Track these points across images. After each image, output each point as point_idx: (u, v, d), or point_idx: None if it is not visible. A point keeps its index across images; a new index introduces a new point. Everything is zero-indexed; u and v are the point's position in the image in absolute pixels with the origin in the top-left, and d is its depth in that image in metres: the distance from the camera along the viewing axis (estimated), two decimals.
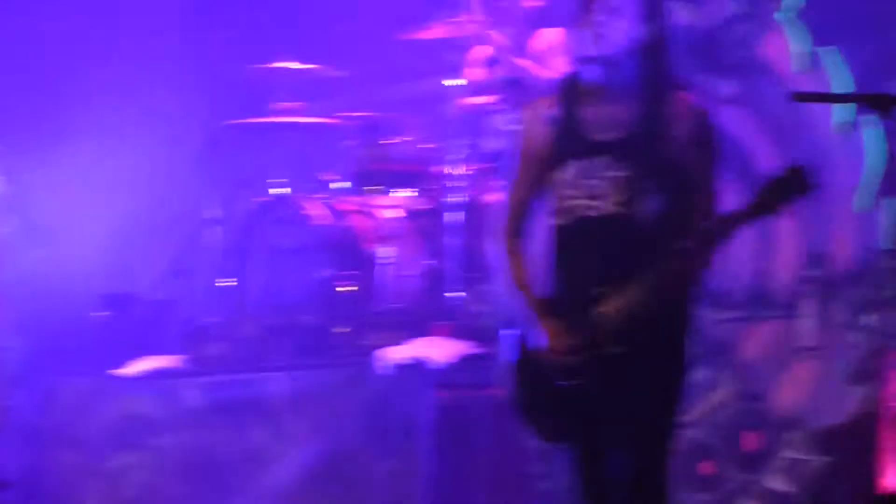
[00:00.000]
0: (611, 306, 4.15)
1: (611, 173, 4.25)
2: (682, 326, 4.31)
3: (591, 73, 4.22)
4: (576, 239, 4.29)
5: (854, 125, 6.63)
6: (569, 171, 4.28)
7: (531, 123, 4.36)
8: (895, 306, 6.34)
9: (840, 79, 6.94)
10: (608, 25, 4.22)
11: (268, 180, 8.25)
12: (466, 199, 7.58)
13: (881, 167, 6.59)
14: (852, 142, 6.65)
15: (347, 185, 8.16)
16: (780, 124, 7.05)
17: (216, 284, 8.17)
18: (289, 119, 8.19)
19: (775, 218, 3.96)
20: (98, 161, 8.40)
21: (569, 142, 4.26)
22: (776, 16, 7.03)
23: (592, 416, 4.23)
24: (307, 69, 8.15)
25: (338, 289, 7.72)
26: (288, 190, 8.18)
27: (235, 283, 8.06)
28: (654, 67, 4.32)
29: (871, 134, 6.56)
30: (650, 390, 4.26)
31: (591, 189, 4.26)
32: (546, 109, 4.34)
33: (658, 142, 4.29)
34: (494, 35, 7.66)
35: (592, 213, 4.27)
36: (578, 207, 4.28)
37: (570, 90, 4.28)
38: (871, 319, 6.47)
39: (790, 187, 3.87)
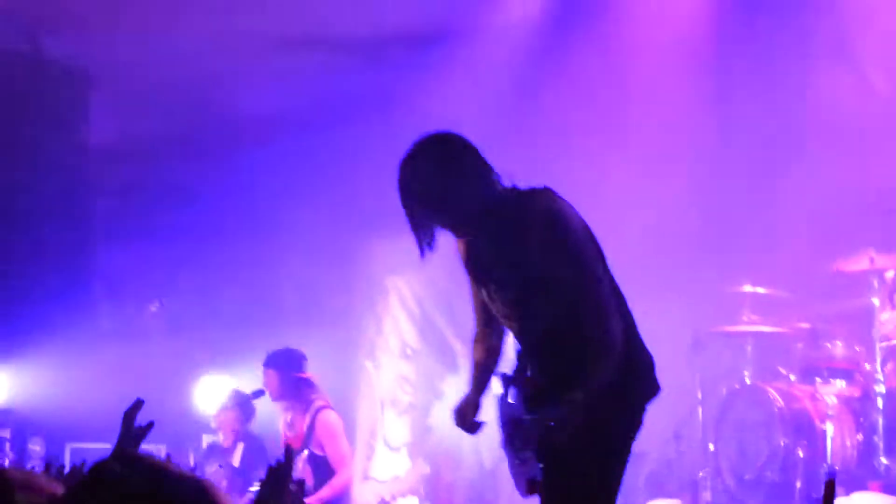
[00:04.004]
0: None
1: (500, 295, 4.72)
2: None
3: None
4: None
5: None
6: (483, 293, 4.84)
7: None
8: None
9: None
10: None
11: (743, 372, 9.74)
12: (885, 388, 9.04)
13: None
14: None
15: (795, 376, 9.58)
16: None
17: (708, 448, 9.65)
18: (755, 328, 9.85)
19: None
20: None
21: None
22: None
23: None
24: (765, 292, 9.86)
25: (798, 452, 9.11)
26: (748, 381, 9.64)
27: (713, 448, 9.57)
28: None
29: None
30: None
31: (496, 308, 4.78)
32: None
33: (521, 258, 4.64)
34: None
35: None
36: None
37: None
38: None
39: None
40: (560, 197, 4.77)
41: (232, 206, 12.41)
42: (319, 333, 10.49)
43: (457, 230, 4.82)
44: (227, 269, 12.33)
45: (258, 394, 9.38)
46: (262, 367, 9.12)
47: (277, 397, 9.10)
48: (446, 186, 4.72)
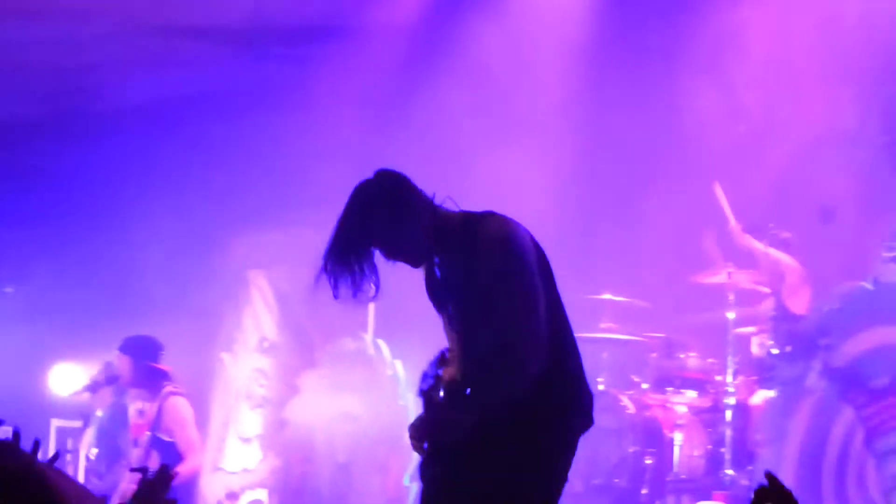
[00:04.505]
0: None
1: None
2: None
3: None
4: None
5: None
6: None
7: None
8: None
9: None
10: None
11: (596, 378, 9.66)
12: (735, 401, 9.25)
13: None
14: None
15: (648, 385, 9.72)
16: None
17: None
18: (610, 336, 9.96)
19: None
20: None
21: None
22: None
23: None
24: (624, 301, 9.99)
25: (646, 460, 9.31)
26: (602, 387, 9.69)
27: None
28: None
29: None
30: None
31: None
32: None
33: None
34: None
35: None
36: None
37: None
38: None
39: None
40: (511, 221, 4.77)
41: (95, 194, 12.24)
42: (179, 324, 10.39)
43: (413, 263, 4.86)
44: (87, 257, 12.19)
45: (112, 379, 9.28)
46: (116, 353, 9.02)
47: (129, 383, 9.02)
48: (401, 232, 4.77)
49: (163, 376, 8.91)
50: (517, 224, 4.79)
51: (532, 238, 4.80)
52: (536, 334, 4.55)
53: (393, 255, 4.79)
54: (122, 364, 8.98)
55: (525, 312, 4.55)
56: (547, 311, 4.63)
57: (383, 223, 4.73)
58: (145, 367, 8.88)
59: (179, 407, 8.85)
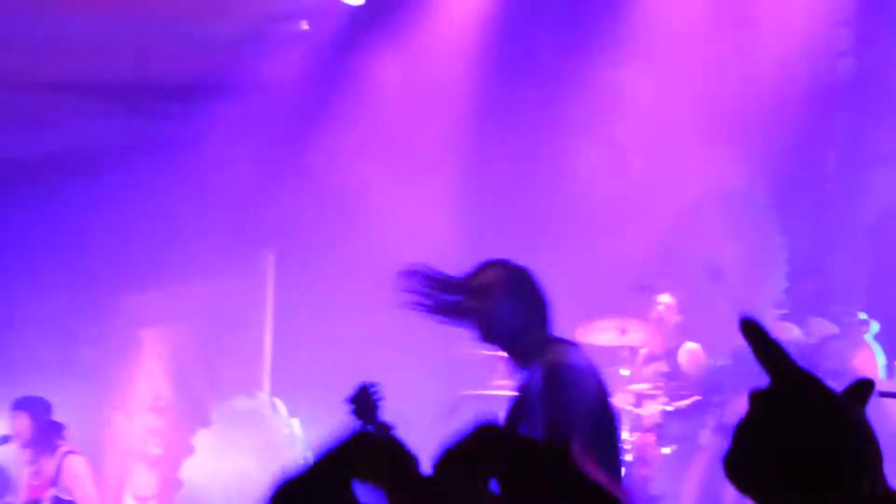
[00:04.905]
0: None
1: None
2: None
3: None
4: None
5: None
6: None
7: None
8: None
9: None
10: None
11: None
12: (632, 457, 9.16)
13: None
14: None
15: None
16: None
17: None
18: (506, 392, 10.14)
19: None
20: None
21: None
22: (867, 337, 8.80)
23: None
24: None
25: None
26: None
27: None
28: None
29: None
30: None
31: None
32: None
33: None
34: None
35: None
36: None
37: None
38: None
39: None
40: (585, 359, 4.92)
41: None
42: (69, 383, 10.37)
43: (517, 360, 4.99)
44: None
45: (4, 439, 9.21)
46: (10, 412, 8.96)
47: (27, 443, 8.97)
48: (524, 326, 4.96)
49: (59, 433, 8.89)
50: (587, 360, 5.00)
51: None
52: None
53: (501, 340, 4.96)
54: (20, 422, 8.92)
55: None
56: None
57: (519, 310, 4.95)
58: (43, 422, 8.86)
59: (78, 466, 8.84)
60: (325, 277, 11.02)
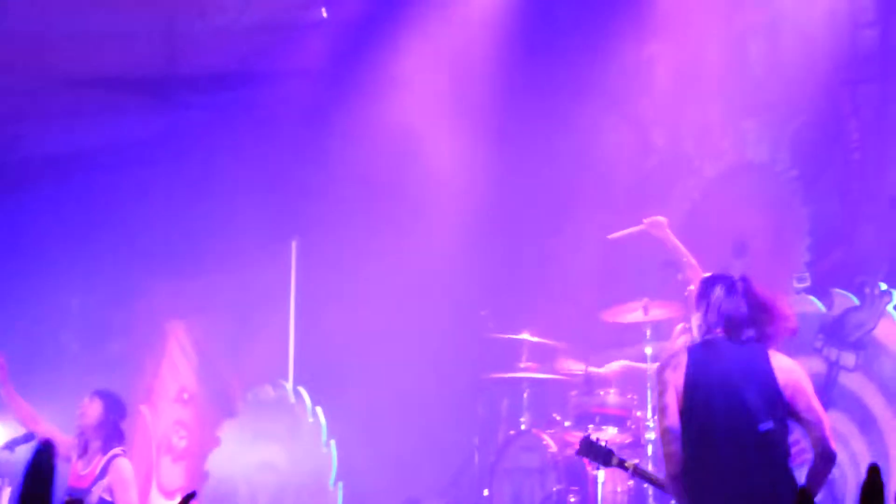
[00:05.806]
0: None
1: None
2: None
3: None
4: None
5: None
6: None
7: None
8: None
9: None
10: None
11: (519, 418, 9.85)
12: (655, 436, 8.97)
13: None
14: None
15: (570, 423, 9.64)
16: (892, 387, 8.51)
17: (483, 494, 9.72)
18: (531, 375, 9.97)
19: None
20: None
21: None
22: (888, 307, 8.61)
23: None
24: (542, 341, 10.02)
25: (570, 499, 9.26)
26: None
27: (487, 493, 9.67)
28: None
29: None
30: None
31: None
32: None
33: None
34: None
35: None
36: None
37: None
38: None
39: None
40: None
41: (12, 246, 12.15)
42: (97, 376, 10.32)
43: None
44: (5, 309, 12.06)
45: (26, 438, 9.16)
46: (89, 396, 8.92)
47: (88, 432, 8.88)
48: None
49: (120, 437, 8.88)
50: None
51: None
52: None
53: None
54: (93, 408, 8.89)
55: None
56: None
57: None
58: (112, 420, 8.84)
59: (125, 470, 8.81)
60: (349, 266, 10.95)
